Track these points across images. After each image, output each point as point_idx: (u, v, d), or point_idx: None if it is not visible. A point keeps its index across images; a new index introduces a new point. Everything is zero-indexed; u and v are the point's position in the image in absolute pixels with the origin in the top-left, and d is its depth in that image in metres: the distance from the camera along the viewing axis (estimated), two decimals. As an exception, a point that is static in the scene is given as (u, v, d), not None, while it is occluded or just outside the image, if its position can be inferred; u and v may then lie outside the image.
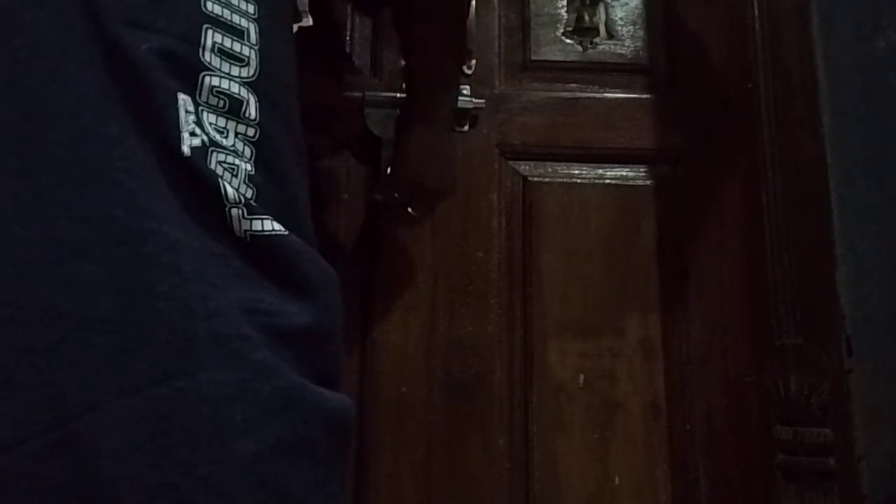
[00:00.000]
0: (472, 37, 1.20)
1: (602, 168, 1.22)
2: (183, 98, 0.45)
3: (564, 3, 1.27)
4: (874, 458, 1.09)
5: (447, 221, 1.17)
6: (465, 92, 1.17)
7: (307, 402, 0.44)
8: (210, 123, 0.46)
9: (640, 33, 1.27)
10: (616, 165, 1.22)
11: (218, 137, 0.46)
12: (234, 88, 0.48)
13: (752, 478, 1.11)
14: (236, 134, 0.48)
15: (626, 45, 1.26)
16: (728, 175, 1.22)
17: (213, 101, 0.47)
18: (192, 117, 0.45)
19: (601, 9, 1.27)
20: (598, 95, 1.24)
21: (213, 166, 0.45)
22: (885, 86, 1.20)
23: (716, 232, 1.20)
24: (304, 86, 0.58)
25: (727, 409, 1.14)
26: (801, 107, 1.21)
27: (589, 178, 1.21)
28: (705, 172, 1.22)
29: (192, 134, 0.45)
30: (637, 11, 1.28)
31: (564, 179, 1.21)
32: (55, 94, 0.43)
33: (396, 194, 0.99)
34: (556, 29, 1.26)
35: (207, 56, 0.47)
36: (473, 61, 1.21)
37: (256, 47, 0.50)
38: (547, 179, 1.20)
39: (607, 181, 1.21)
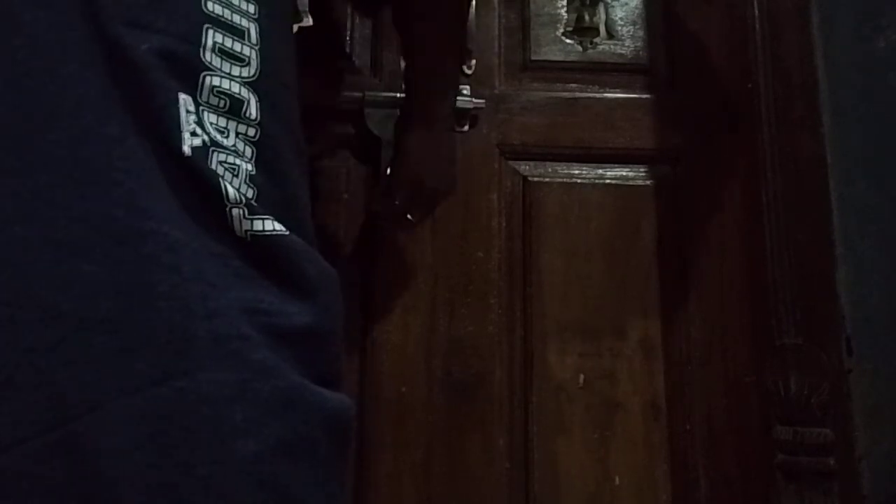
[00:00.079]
0: (472, 37, 1.20)
1: (602, 168, 1.22)
2: (184, 98, 0.45)
3: (564, 3, 1.27)
4: (874, 458, 1.09)
5: (447, 221, 1.17)
6: (465, 92, 1.17)
7: (307, 402, 0.44)
8: (211, 123, 0.46)
9: (640, 33, 1.27)
10: (616, 165, 1.22)
11: (219, 137, 0.46)
12: (235, 88, 0.48)
13: (752, 478, 1.11)
14: (237, 134, 0.48)
15: (626, 45, 1.26)
16: (728, 175, 1.22)
17: (214, 100, 0.47)
18: (192, 117, 0.45)
19: (601, 9, 1.27)
20: (598, 95, 1.24)
21: (213, 166, 0.45)
22: (885, 86, 1.20)
23: (716, 232, 1.20)
24: (303, 86, 0.58)
25: (727, 409, 1.14)
26: (801, 107, 1.21)
27: (589, 178, 1.21)
28: (705, 172, 1.22)
29: (193, 134, 0.45)
30: (637, 11, 1.28)
31: (564, 179, 1.21)
32: (55, 94, 0.43)
33: (396, 201, 0.99)
34: (556, 29, 1.26)
35: (208, 56, 0.47)
36: (473, 61, 1.21)
37: (257, 47, 0.50)
38: (547, 179, 1.20)
39: (607, 181, 1.21)
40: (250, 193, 0.47)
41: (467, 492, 1.09)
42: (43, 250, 0.40)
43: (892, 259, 1.15)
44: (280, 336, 0.44)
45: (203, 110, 0.46)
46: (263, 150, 0.49)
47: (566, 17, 1.27)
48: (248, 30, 0.50)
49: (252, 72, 0.49)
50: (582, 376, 1.14)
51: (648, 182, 1.22)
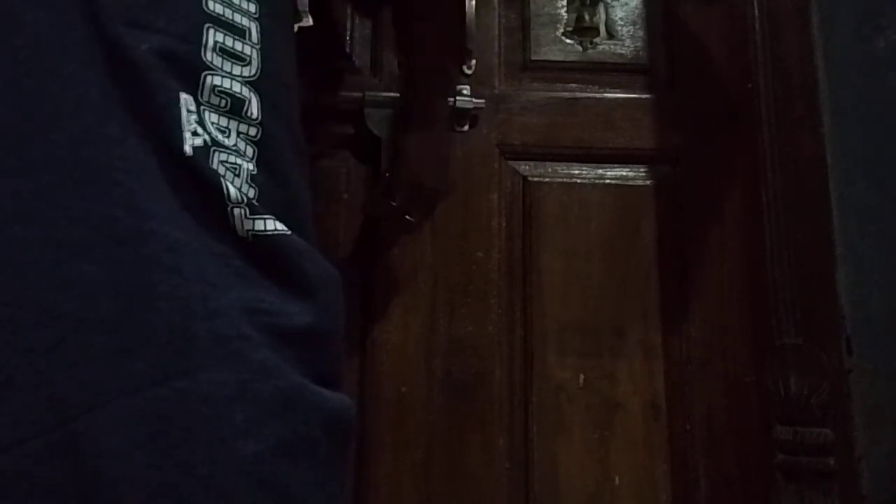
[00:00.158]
0: (472, 37, 1.20)
1: (602, 168, 1.22)
2: (185, 97, 0.45)
3: (564, 3, 1.27)
4: (874, 458, 1.09)
5: (447, 221, 1.17)
6: (465, 92, 1.17)
7: (307, 403, 0.44)
8: (212, 123, 0.46)
9: (640, 33, 1.27)
10: (616, 165, 1.22)
11: (220, 137, 0.46)
12: (236, 88, 0.48)
13: (752, 478, 1.11)
14: (238, 133, 0.48)
15: (626, 45, 1.26)
16: (728, 175, 1.22)
17: (215, 100, 0.47)
18: (194, 117, 0.45)
19: (601, 9, 1.27)
20: (598, 95, 1.24)
21: (215, 166, 0.45)
22: (885, 86, 1.20)
23: (716, 232, 1.20)
24: (303, 86, 0.58)
25: (727, 409, 1.14)
26: (801, 107, 1.21)
27: (589, 178, 1.21)
28: (705, 172, 1.22)
29: (195, 134, 0.45)
30: (637, 11, 1.28)
31: (564, 179, 1.21)
32: (55, 94, 0.43)
33: (394, 202, 0.99)
34: (556, 29, 1.26)
35: (209, 55, 0.47)
36: (473, 61, 1.21)
37: (258, 46, 0.50)
38: (547, 179, 1.20)
39: (607, 181, 1.21)
40: (252, 193, 0.47)
41: (467, 492, 1.09)
42: (43, 250, 0.40)
43: (892, 259, 1.15)
44: (281, 336, 0.44)
45: (204, 110, 0.46)
46: (264, 150, 0.49)
47: (566, 17, 1.27)
48: (249, 29, 0.50)
49: (253, 71, 0.49)
50: (582, 376, 1.14)
51: (648, 182, 1.22)
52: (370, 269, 1.14)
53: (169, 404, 0.39)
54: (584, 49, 1.26)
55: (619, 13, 1.27)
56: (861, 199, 1.17)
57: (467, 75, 1.20)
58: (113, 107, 0.44)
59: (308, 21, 0.68)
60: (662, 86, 1.25)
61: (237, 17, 0.50)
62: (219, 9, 0.49)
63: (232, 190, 0.45)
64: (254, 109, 0.49)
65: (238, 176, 0.46)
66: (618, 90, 1.24)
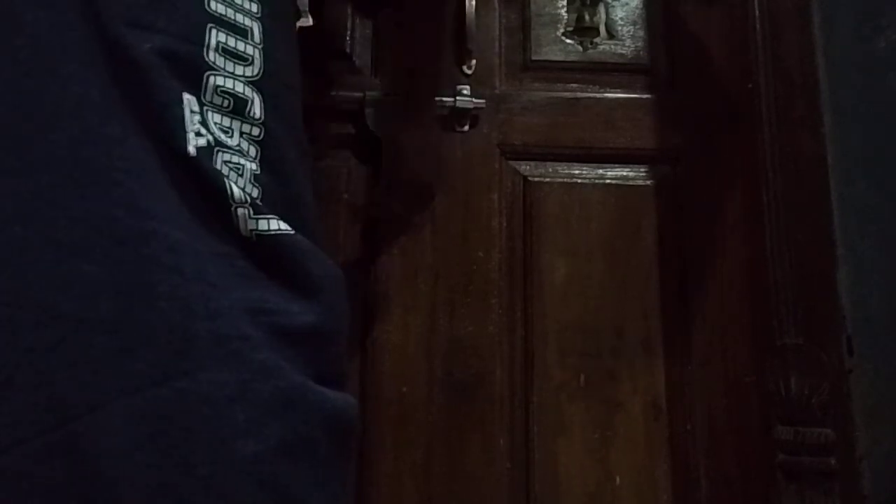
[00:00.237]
0: (472, 37, 1.20)
1: (602, 168, 1.22)
2: (188, 98, 0.45)
3: (564, 3, 1.27)
4: (875, 457, 1.09)
5: (447, 221, 1.17)
6: (465, 92, 1.17)
7: (308, 403, 0.44)
8: (215, 123, 0.46)
9: (641, 33, 1.27)
10: (616, 165, 1.22)
11: (223, 137, 0.46)
12: (239, 88, 0.48)
13: (753, 478, 1.11)
14: (241, 133, 0.48)
15: (627, 45, 1.26)
16: (728, 175, 1.22)
17: (218, 100, 0.47)
18: (197, 117, 0.45)
19: (601, 9, 1.27)
20: (598, 95, 1.24)
21: (218, 166, 0.45)
22: (885, 86, 1.20)
23: (716, 232, 1.20)
24: (303, 86, 0.58)
25: (727, 409, 1.14)
26: (801, 107, 1.21)
27: (589, 178, 1.21)
28: (705, 172, 1.22)
29: (198, 134, 0.45)
30: (637, 11, 1.28)
31: (565, 179, 1.21)
32: (55, 93, 0.43)
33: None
34: (557, 29, 1.26)
35: (212, 56, 0.47)
36: (473, 61, 1.21)
37: (260, 46, 0.50)
38: (547, 179, 1.20)
39: (608, 181, 1.21)
40: (255, 193, 0.47)
41: (467, 492, 1.09)
42: (43, 250, 0.40)
43: (892, 259, 1.15)
44: (284, 335, 0.44)
45: (207, 110, 0.46)
46: (268, 150, 0.49)
47: (566, 17, 1.27)
48: (252, 29, 0.50)
49: (256, 71, 0.49)
50: (582, 376, 1.14)
51: (648, 182, 1.22)
52: (370, 269, 1.14)
53: (169, 404, 0.39)
54: (585, 49, 1.26)
55: (619, 13, 1.27)
56: (861, 199, 1.17)
57: (467, 75, 1.20)
58: (113, 106, 0.44)
59: (308, 21, 0.68)
60: (662, 86, 1.25)
61: (239, 17, 0.50)
62: (221, 9, 0.49)
63: (235, 190, 0.45)
64: (256, 109, 0.49)
65: (241, 176, 0.46)
66: (618, 90, 1.24)
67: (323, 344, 0.47)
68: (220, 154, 0.46)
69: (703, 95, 1.25)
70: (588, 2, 1.27)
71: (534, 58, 1.25)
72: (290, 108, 0.53)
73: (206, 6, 0.48)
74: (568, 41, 1.26)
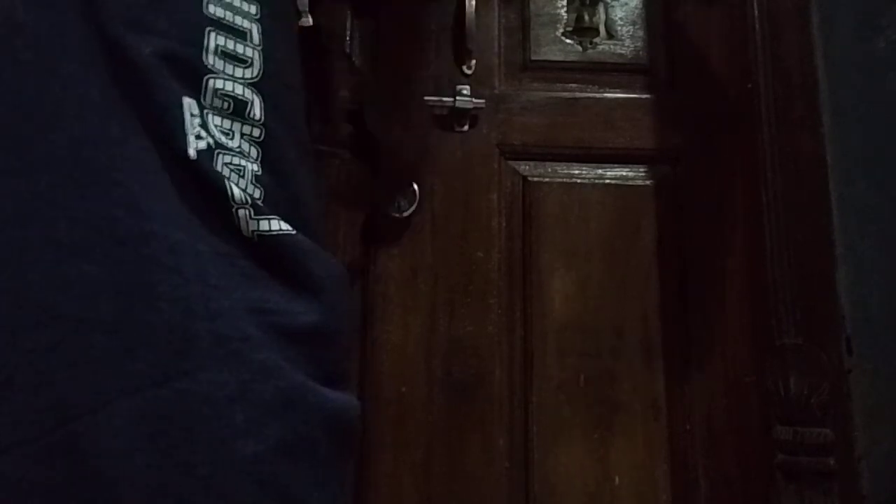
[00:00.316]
0: (472, 37, 1.20)
1: (602, 168, 1.22)
2: (188, 101, 0.45)
3: (564, 3, 1.27)
4: (874, 457, 1.09)
5: (447, 221, 1.17)
6: (465, 92, 1.17)
7: (308, 403, 0.44)
8: (216, 126, 0.46)
9: (640, 33, 1.27)
10: (616, 165, 1.22)
11: (223, 139, 0.46)
12: (239, 90, 0.48)
13: (752, 478, 1.11)
14: (242, 135, 0.48)
15: (626, 45, 1.26)
16: (728, 175, 1.22)
17: (218, 103, 0.47)
18: (197, 120, 0.45)
19: (601, 9, 1.27)
20: (597, 95, 1.24)
21: (219, 168, 0.45)
22: (885, 86, 1.20)
23: (716, 232, 1.20)
24: (304, 86, 0.58)
25: (727, 409, 1.14)
26: (801, 107, 1.21)
27: (589, 178, 1.21)
28: (705, 172, 1.22)
29: (198, 137, 0.45)
30: (637, 11, 1.28)
31: (564, 179, 1.21)
32: (56, 94, 0.43)
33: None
34: (556, 29, 1.26)
35: (210, 58, 0.47)
36: (473, 61, 1.21)
37: (259, 48, 0.50)
38: (547, 179, 1.20)
39: (607, 181, 1.21)
40: (257, 194, 0.47)
41: (467, 492, 1.09)
42: (43, 251, 0.40)
43: (892, 259, 1.15)
44: (286, 335, 0.44)
45: (207, 113, 0.46)
46: (268, 151, 0.49)
47: (566, 17, 1.27)
48: (250, 31, 0.50)
49: (255, 73, 0.50)
50: (582, 376, 1.14)
51: (648, 182, 1.22)
52: (370, 269, 1.14)
53: (169, 404, 0.39)
54: (584, 49, 1.26)
55: (618, 13, 1.27)
56: (861, 199, 1.17)
57: (467, 75, 1.20)
58: (114, 107, 0.44)
59: (308, 21, 0.68)
60: (662, 86, 1.25)
61: (238, 20, 0.50)
62: (219, 12, 0.49)
63: (236, 191, 0.45)
64: (256, 111, 0.49)
65: (243, 177, 0.47)
66: (618, 90, 1.24)
67: (325, 343, 0.47)
68: (220, 156, 0.46)
69: (702, 95, 1.25)
70: (587, 2, 1.27)
71: (533, 58, 1.25)
72: (290, 108, 0.53)
73: (205, 9, 0.48)
74: (567, 41, 1.26)
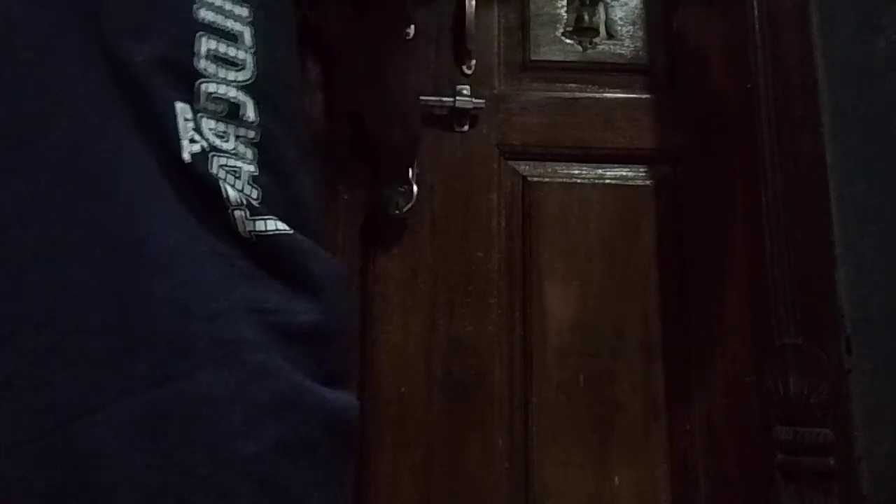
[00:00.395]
0: (471, 37, 1.20)
1: (602, 168, 1.22)
2: (181, 107, 0.45)
3: (564, 3, 1.27)
4: (874, 458, 1.09)
5: (446, 221, 1.17)
6: (465, 92, 1.17)
7: (307, 403, 0.44)
8: (210, 129, 0.47)
9: (640, 33, 1.27)
10: (616, 165, 1.22)
11: (218, 142, 0.47)
12: (232, 93, 0.48)
13: (752, 478, 1.11)
14: (237, 137, 0.48)
15: (626, 45, 1.26)
16: (728, 175, 1.22)
17: (212, 106, 0.47)
18: (190, 124, 0.45)
19: (601, 9, 1.27)
20: (597, 95, 1.24)
21: (214, 170, 0.45)
22: (885, 86, 1.20)
23: (716, 232, 1.20)
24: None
25: (727, 409, 1.14)
26: (800, 107, 1.21)
27: (589, 178, 1.21)
28: (705, 172, 1.22)
29: (192, 140, 0.45)
30: (636, 11, 1.28)
31: (564, 179, 1.21)
32: (56, 94, 0.43)
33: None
34: (556, 29, 1.26)
35: (203, 63, 0.48)
36: (473, 61, 1.21)
37: (252, 50, 0.50)
38: (547, 179, 1.20)
39: (607, 181, 1.21)
40: (255, 194, 0.47)
41: (467, 492, 1.09)
42: (42, 252, 0.40)
43: (892, 259, 1.15)
44: (286, 335, 0.44)
45: (201, 117, 0.46)
46: (265, 152, 0.49)
47: (566, 17, 1.27)
48: (242, 34, 0.50)
49: (248, 75, 0.50)
50: (582, 376, 1.14)
51: (648, 182, 1.22)
52: (370, 269, 1.14)
53: (168, 405, 0.39)
54: (584, 49, 1.26)
55: (618, 13, 1.27)
56: (861, 199, 1.17)
57: (467, 75, 1.20)
58: (113, 108, 0.44)
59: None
60: (662, 86, 1.25)
61: (229, 23, 0.50)
62: (210, 16, 0.49)
63: (232, 193, 0.45)
64: (250, 113, 0.49)
65: (239, 178, 0.47)
66: (618, 90, 1.24)
67: (325, 343, 0.47)
68: (215, 158, 0.46)
69: (702, 95, 1.25)
70: (587, 2, 1.27)
71: (533, 58, 1.25)
72: (289, 108, 0.53)
73: (195, 15, 0.48)
74: (567, 41, 1.26)
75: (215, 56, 0.48)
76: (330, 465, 0.45)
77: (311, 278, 0.47)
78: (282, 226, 0.47)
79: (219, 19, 0.49)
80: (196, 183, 0.45)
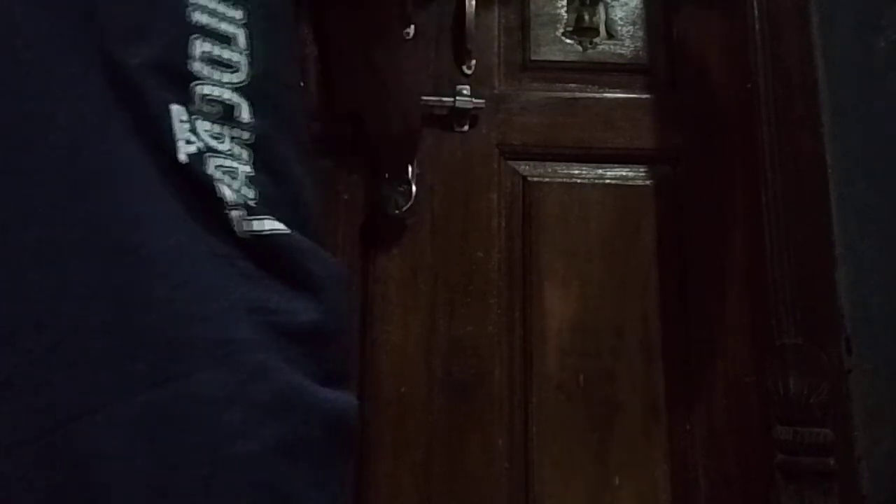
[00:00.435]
0: (471, 37, 1.20)
1: (602, 168, 1.22)
2: (176, 108, 0.46)
3: (564, 3, 1.27)
4: (874, 458, 1.09)
5: (447, 221, 1.17)
6: (465, 92, 1.17)
7: (307, 403, 0.44)
8: (205, 130, 0.47)
9: (640, 33, 1.27)
10: (616, 165, 1.22)
11: (213, 143, 0.47)
12: (226, 95, 0.49)
13: (752, 478, 1.11)
14: (232, 138, 0.48)
15: (626, 45, 1.26)
16: (728, 175, 1.22)
17: (207, 108, 0.47)
18: (186, 126, 0.46)
19: (601, 9, 1.27)
20: (597, 95, 1.24)
21: (210, 171, 0.46)
22: (885, 86, 1.20)
23: (716, 232, 1.20)
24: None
25: (727, 409, 1.14)
26: (800, 107, 1.21)
27: (589, 178, 1.21)
28: (705, 172, 1.22)
29: (188, 142, 0.45)
30: (636, 12, 1.28)
31: (564, 179, 1.21)
32: (56, 94, 0.43)
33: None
34: (556, 29, 1.26)
35: (197, 66, 0.48)
36: (473, 61, 1.21)
37: (247, 52, 0.51)
38: (547, 179, 1.20)
39: (607, 181, 1.21)
40: (252, 195, 0.47)
41: (467, 492, 1.09)
42: (41, 252, 0.40)
43: (892, 259, 1.15)
44: (285, 335, 0.44)
45: (196, 119, 0.47)
46: (261, 152, 0.49)
47: (566, 17, 1.27)
48: (236, 36, 0.50)
49: (242, 77, 0.50)
50: (582, 376, 1.14)
51: (648, 182, 1.22)
52: (370, 269, 1.14)
53: (168, 405, 0.40)
54: (584, 49, 1.26)
55: (619, 13, 1.27)
56: (861, 199, 1.17)
57: (467, 75, 1.20)
58: (111, 108, 0.44)
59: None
60: (662, 86, 1.25)
61: (223, 26, 0.50)
62: (204, 19, 0.49)
63: (228, 193, 0.45)
64: (245, 114, 0.49)
65: (235, 179, 0.47)
66: (618, 90, 1.24)
67: (324, 343, 0.48)
68: (211, 159, 0.46)
69: (702, 95, 1.25)
70: (587, 2, 1.27)
71: (533, 58, 1.25)
72: (286, 108, 0.53)
73: (189, 18, 0.48)
74: (567, 41, 1.26)
75: (209, 58, 0.48)
76: (330, 465, 0.45)
77: (310, 278, 0.47)
78: (279, 225, 0.47)
79: (212, 22, 0.50)
80: (193, 184, 0.45)
